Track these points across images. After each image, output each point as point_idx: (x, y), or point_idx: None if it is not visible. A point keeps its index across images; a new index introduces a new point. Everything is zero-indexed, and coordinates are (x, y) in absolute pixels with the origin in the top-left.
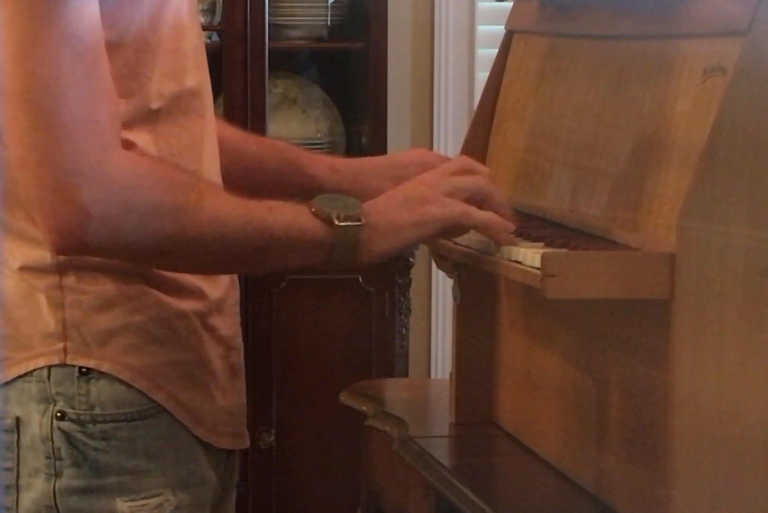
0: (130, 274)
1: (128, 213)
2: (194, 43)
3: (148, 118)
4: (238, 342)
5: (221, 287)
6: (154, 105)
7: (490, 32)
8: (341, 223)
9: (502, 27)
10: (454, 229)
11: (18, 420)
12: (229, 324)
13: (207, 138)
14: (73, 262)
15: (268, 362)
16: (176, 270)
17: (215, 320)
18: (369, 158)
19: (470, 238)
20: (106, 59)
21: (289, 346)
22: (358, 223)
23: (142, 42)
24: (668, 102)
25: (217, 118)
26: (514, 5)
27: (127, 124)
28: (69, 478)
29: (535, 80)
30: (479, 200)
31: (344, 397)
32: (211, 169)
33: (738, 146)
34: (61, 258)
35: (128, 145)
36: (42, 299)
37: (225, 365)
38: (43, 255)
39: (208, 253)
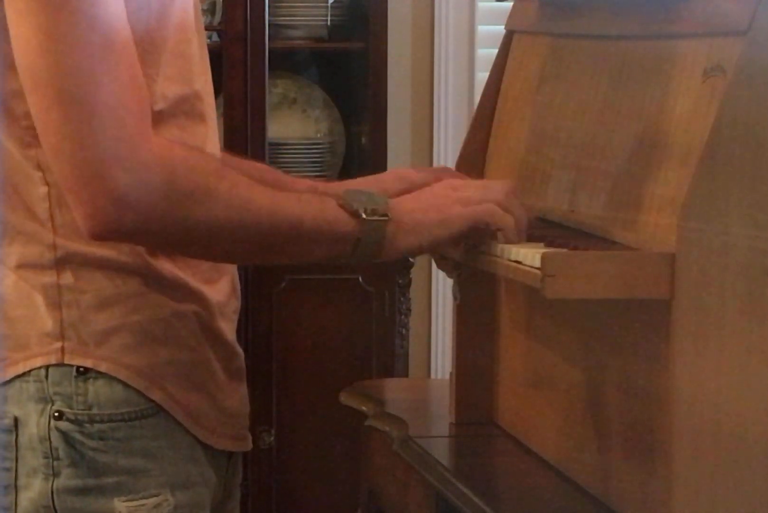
0: (128, 274)
1: (163, 199)
2: (200, 48)
3: (151, 119)
4: (238, 348)
5: (222, 292)
6: (157, 107)
7: (490, 32)
8: (368, 217)
9: (502, 27)
10: (479, 229)
11: (16, 420)
12: (229, 329)
13: (210, 143)
14: (71, 260)
15: (268, 362)
16: (206, 258)
17: (217, 324)
18: (349, 180)
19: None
20: (133, 46)
21: (289, 346)
22: (384, 218)
23: (149, 42)
24: (668, 102)
25: None
26: (514, 5)
27: None
28: (67, 478)
29: (535, 80)
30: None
31: (344, 397)
32: None
33: (738, 146)
34: (59, 255)
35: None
36: (39, 299)
37: (225, 368)
38: (40, 252)
39: (237, 240)
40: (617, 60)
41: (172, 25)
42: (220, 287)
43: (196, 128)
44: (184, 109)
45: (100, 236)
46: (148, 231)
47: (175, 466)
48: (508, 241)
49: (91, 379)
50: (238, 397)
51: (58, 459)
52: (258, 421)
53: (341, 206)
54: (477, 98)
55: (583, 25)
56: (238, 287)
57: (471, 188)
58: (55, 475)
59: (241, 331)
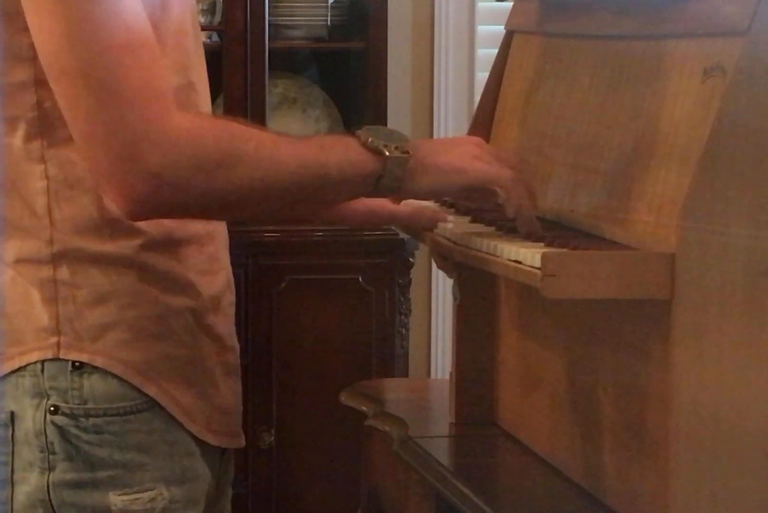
0: (123, 269)
1: (197, 172)
2: (196, 41)
3: None
4: (233, 342)
5: (216, 285)
6: None
7: (490, 32)
8: (391, 155)
9: (502, 27)
10: (490, 190)
11: (12, 414)
12: (224, 323)
13: None
14: (67, 255)
15: (268, 362)
16: (241, 217)
17: (211, 318)
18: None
19: (473, 239)
20: (151, 29)
21: (289, 346)
22: (406, 155)
23: (154, 32)
24: (668, 102)
25: None
26: (514, 5)
27: None
28: (62, 471)
29: (535, 80)
30: None
31: (344, 397)
32: None
33: (738, 146)
34: (56, 250)
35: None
36: (36, 294)
37: (219, 363)
38: (38, 247)
39: (271, 197)
40: (617, 60)
41: (172, 19)
42: (214, 281)
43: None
44: (180, 99)
45: (140, 215)
46: (187, 204)
47: (170, 461)
48: (522, 210)
49: (86, 374)
50: (232, 393)
51: (53, 453)
52: (258, 421)
53: (363, 145)
54: (477, 98)
55: (582, 25)
56: (232, 281)
57: (493, 152)
58: (51, 469)
59: (241, 331)
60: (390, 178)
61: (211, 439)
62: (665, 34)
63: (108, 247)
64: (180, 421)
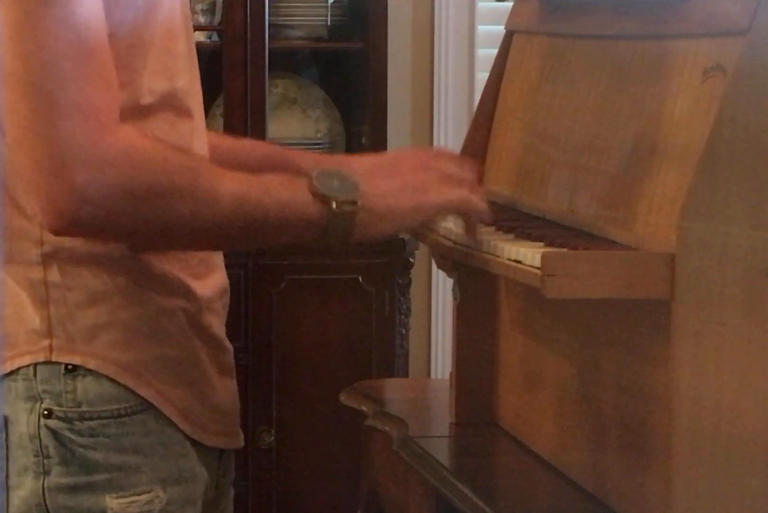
0: (115, 270)
1: (123, 195)
2: (187, 46)
3: (138, 113)
4: (227, 343)
5: (211, 287)
6: (145, 101)
7: (490, 32)
8: (337, 208)
9: (502, 27)
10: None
11: (6, 419)
12: (218, 324)
13: (197, 138)
14: (57, 255)
15: (268, 362)
16: (170, 249)
17: (206, 319)
18: (347, 157)
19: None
20: (107, 43)
21: (289, 346)
22: (353, 206)
23: (135, 36)
24: (668, 102)
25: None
26: (514, 5)
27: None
28: (57, 475)
29: (535, 80)
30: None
31: (344, 397)
32: None
33: (738, 146)
34: (46, 251)
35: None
36: (27, 296)
37: (214, 364)
38: (28, 248)
39: (203, 234)
40: (617, 60)
41: (159, 22)
42: (208, 282)
43: (183, 123)
44: (171, 103)
45: (59, 231)
46: (108, 226)
47: (166, 462)
48: (483, 223)
49: (79, 377)
50: (228, 393)
51: (48, 457)
52: (258, 421)
53: (312, 193)
54: (477, 98)
55: (582, 25)
56: (227, 283)
57: (441, 167)
58: (46, 473)
59: (241, 331)
60: (337, 230)
61: (207, 440)
62: (665, 34)
63: (99, 247)
64: (175, 421)
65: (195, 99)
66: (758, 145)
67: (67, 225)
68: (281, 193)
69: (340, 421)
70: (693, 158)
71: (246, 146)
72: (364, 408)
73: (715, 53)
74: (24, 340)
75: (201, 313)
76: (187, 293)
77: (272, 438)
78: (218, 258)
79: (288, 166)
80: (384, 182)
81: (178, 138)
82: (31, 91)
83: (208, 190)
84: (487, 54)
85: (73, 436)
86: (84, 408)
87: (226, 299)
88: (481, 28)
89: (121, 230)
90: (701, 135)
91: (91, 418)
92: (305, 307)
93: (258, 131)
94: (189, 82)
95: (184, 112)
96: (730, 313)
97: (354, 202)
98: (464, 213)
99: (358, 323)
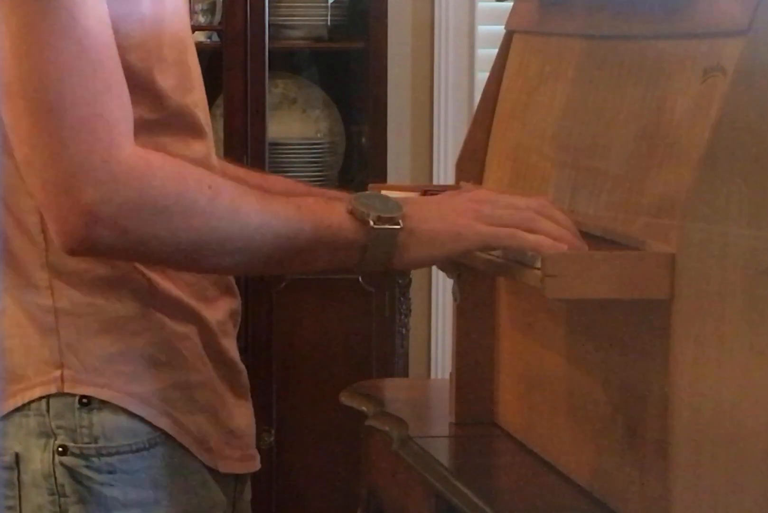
0: (126, 294)
1: (136, 213)
2: (192, 58)
3: (151, 129)
4: (241, 365)
5: (222, 310)
6: (156, 116)
7: (490, 32)
8: (377, 226)
9: (502, 27)
10: (494, 247)
11: (17, 456)
12: (231, 346)
13: (209, 155)
14: (65, 280)
15: (268, 362)
16: (197, 271)
17: (219, 342)
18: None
19: None
20: (116, 52)
21: (289, 346)
22: (396, 227)
23: (144, 50)
24: (668, 102)
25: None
26: (514, 5)
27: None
28: None
29: (535, 80)
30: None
31: (344, 397)
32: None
33: (738, 146)
34: (53, 275)
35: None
36: (34, 324)
37: (230, 387)
38: (33, 271)
39: (226, 253)
40: (617, 60)
41: (169, 34)
42: (219, 305)
43: (196, 140)
44: (183, 119)
45: (75, 252)
46: (124, 246)
47: (184, 494)
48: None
49: (95, 410)
50: (243, 416)
51: (64, 496)
52: (258, 421)
53: (350, 212)
54: (477, 98)
55: (582, 25)
56: (239, 302)
57: (498, 206)
58: (63, 512)
59: (241, 331)
60: (377, 251)
61: (224, 467)
62: (665, 34)
63: (107, 270)
64: (192, 451)
65: (204, 115)
66: (758, 145)
67: (83, 246)
68: (316, 211)
69: (340, 421)
70: (693, 158)
71: (269, 180)
72: (364, 408)
73: (715, 53)
74: (33, 371)
75: (214, 337)
76: (199, 318)
77: (272, 438)
78: (230, 280)
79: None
80: (428, 207)
81: (191, 153)
82: (37, 109)
83: (229, 208)
84: (487, 54)
85: (90, 474)
86: (101, 443)
87: (237, 319)
88: (481, 28)
89: (139, 251)
90: (701, 135)
91: (109, 454)
92: (305, 307)
93: (258, 131)
94: (199, 98)
95: (196, 125)
96: (730, 313)
97: (394, 221)
98: (511, 249)
99: (358, 323)
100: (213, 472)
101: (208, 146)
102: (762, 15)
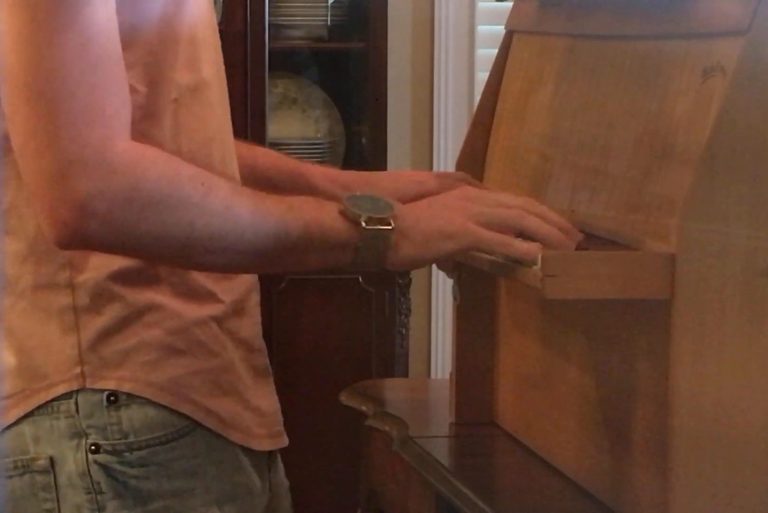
0: (142, 285)
1: (129, 206)
2: (207, 35)
3: (170, 109)
4: (260, 342)
5: (236, 290)
6: (174, 95)
7: (490, 32)
8: (368, 227)
9: (502, 27)
10: (485, 251)
11: (52, 460)
12: (249, 325)
13: (223, 129)
14: (85, 278)
15: None
16: (191, 268)
17: (234, 323)
18: (364, 172)
19: None
20: (119, 46)
21: (289, 346)
22: (387, 227)
23: (168, 29)
24: (668, 102)
25: None
26: (514, 5)
27: (151, 115)
28: (113, 510)
29: (535, 80)
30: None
31: (344, 397)
32: (231, 164)
33: (738, 146)
34: (74, 274)
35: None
36: (55, 324)
37: (249, 367)
38: (54, 271)
39: (217, 250)
40: (617, 60)
41: (188, 12)
42: (234, 285)
43: (210, 117)
44: (197, 96)
45: (65, 245)
46: (115, 240)
47: (218, 481)
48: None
49: (123, 407)
50: (266, 394)
51: (101, 493)
52: None
53: (341, 213)
54: (477, 98)
55: (583, 25)
56: (256, 281)
57: (487, 203)
58: (101, 509)
59: None
60: (369, 251)
61: (256, 445)
62: (665, 34)
63: (125, 262)
64: (222, 434)
65: (219, 90)
66: (758, 145)
67: (74, 238)
68: (307, 211)
69: (340, 421)
70: (693, 158)
71: (261, 162)
72: (364, 408)
73: (715, 53)
74: (54, 369)
75: (228, 318)
76: (213, 299)
77: None
78: None
79: (304, 186)
80: (420, 207)
81: (207, 132)
82: (36, 98)
83: (222, 204)
84: (487, 54)
85: (123, 469)
86: (131, 438)
87: (257, 298)
88: (481, 28)
89: (131, 245)
90: (701, 135)
91: (140, 448)
92: (305, 307)
93: (258, 131)
94: (214, 73)
95: (206, 103)
96: (730, 312)
97: (386, 221)
98: (502, 253)
99: (358, 323)
100: (247, 454)
101: (219, 118)
102: (762, 15)
